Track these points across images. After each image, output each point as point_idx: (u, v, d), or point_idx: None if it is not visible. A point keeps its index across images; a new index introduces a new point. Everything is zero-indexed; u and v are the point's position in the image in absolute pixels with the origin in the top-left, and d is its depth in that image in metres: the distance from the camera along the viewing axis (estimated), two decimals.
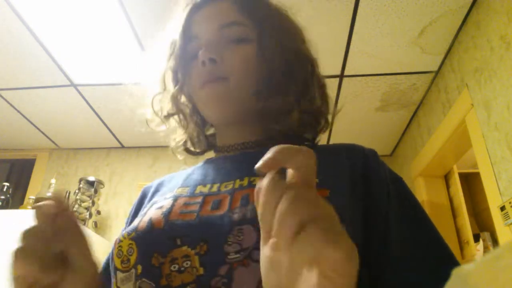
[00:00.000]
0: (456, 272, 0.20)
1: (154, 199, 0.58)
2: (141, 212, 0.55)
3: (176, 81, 0.64)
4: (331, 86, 2.30)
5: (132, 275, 0.45)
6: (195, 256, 0.43)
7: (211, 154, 0.70)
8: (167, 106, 0.66)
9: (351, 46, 2.00)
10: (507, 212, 1.55)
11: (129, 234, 0.48)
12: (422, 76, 2.22)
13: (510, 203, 1.53)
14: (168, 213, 0.48)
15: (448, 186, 2.55)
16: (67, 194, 2.60)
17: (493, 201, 1.66)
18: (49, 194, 2.44)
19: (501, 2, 1.55)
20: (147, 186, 0.67)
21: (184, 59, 0.62)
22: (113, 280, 0.48)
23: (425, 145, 2.41)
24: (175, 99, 0.63)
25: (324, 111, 0.65)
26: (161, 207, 0.50)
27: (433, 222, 0.52)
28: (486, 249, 2.58)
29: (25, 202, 2.62)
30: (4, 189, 2.61)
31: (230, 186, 0.52)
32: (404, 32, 1.90)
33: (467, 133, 1.89)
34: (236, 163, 0.58)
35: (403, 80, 2.25)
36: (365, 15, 1.80)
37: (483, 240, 2.65)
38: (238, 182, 0.52)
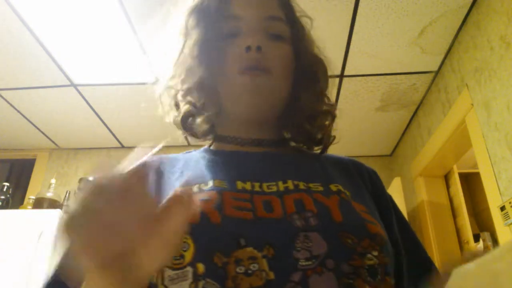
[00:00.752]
0: (456, 272, 0.20)
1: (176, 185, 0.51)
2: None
3: (203, 57, 0.58)
4: (331, 86, 2.30)
5: (188, 273, 0.39)
6: (262, 259, 0.40)
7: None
8: (191, 80, 0.59)
9: (351, 46, 2.00)
10: (507, 212, 1.55)
11: None
12: (422, 76, 2.22)
13: (510, 203, 1.53)
14: (221, 208, 0.44)
15: (448, 186, 2.55)
16: (67, 194, 2.60)
17: (493, 201, 1.66)
18: (49, 194, 2.44)
19: (501, 2, 1.55)
20: (155, 162, 0.55)
21: (217, 36, 0.57)
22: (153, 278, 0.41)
23: (425, 145, 2.40)
24: (206, 76, 0.57)
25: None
26: (207, 200, 0.45)
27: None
28: (486, 249, 2.57)
29: (25, 202, 2.62)
30: (4, 189, 2.61)
31: (274, 188, 0.50)
32: (404, 32, 1.90)
33: (467, 133, 1.89)
34: (266, 163, 0.55)
35: (403, 80, 2.25)
36: (365, 15, 1.80)
37: (483, 240, 2.65)
38: (281, 184, 0.50)
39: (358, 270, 0.41)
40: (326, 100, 0.63)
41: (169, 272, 0.40)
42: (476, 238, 2.56)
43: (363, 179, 0.59)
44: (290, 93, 0.59)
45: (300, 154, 0.62)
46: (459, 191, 2.42)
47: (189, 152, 0.62)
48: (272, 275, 0.39)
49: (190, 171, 0.55)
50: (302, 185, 0.50)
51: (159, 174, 0.55)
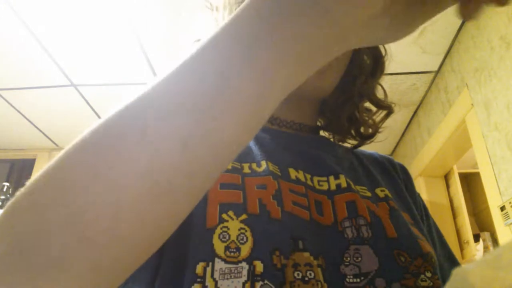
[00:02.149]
0: (456, 272, 0.20)
1: None
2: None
3: None
4: None
5: (243, 270, 0.34)
6: (317, 268, 0.37)
7: None
8: None
9: None
10: (507, 212, 1.54)
11: (237, 215, 0.37)
12: (422, 76, 2.22)
13: (510, 203, 1.53)
14: (280, 201, 0.40)
15: (448, 186, 2.55)
16: None
17: (493, 201, 1.66)
18: None
19: None
20: None
21: None
22: (196, 265, 0.35)
23: (425, 145, 2.41)
24: None
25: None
26: (264, 187, 0.40)
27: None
28: (486, 249, 2.58)
29: None
30: (4, 189, 2.61)
31: (325, 186, 0.45)
32: None
33: (467, 133, 1.89)
34: (314, 150, 0.50)
35: (403, 80, 2.25)
36: None
37: (483, 240, 2.65)
38: (333, 180, 0.46)
39: None
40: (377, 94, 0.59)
41: (220, 265, 0.34)
42: (476, 238, 2.56)
43: (400, 179, 0.55)
44: (342, 78, 0.54)
45: (337, 146, 0.58)
46: (459, 191, 2.42)
47: None
48: (326, 287, 0.36)
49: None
50: (353, 185, 0.46)
51: None
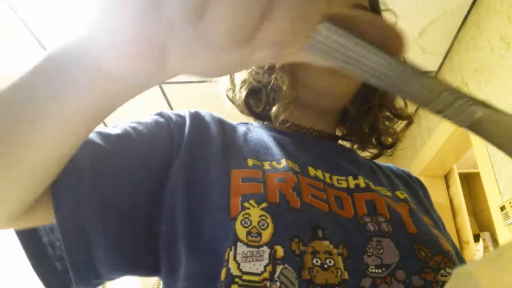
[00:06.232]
0: (456, 272, 0.20)
1: (239, 155, 0.46)
2: (244, 176, 0.42)
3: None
4: None
5: (264, 254, 0.36)
6: (338, 256, 0.38)
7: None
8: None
9: None
10: (507, 212, 1.55)
11: (258, 203, 0.39)
12: None
13: (510, 203, 1.53)
14: (299, 193, 0.41)
15: (448, 186, 2.55)
16: None
17: (493, 201, 1.66)
18: None
19: (501, 2, 1.55)
20: (206, 118, 0.51)
21: None
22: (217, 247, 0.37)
23: (425, 145, 2.41)
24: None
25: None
26: (284, 181, 0.42)
27: None
28: (486, 249, 2.58)
29: None
30: None
31: (344, 184, 0.47)
32: (404, 32, 1.90)
33: (467, 133, 1.89)
34: (334, 154, 0.52)
35: None
36: None
37: (483, 240, 2.65)
38: (351, 180, 0.47)
39: (430, 285, 0.39)
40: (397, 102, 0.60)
41: (243, 248, 0.36)
42: (476, 238, 2.56)
43: (418, 190, 0.57)
44: (360, 87, 0.55)
45: (355, 153, 0.59)
46: (459, 191, 2.42)
47: (244, 123, 0.57)
48: (346, 275, 0.37)
49: (254, 142, 0.50)
50: (372, 185, 0.48)
51: (223, 125, 0.51)
